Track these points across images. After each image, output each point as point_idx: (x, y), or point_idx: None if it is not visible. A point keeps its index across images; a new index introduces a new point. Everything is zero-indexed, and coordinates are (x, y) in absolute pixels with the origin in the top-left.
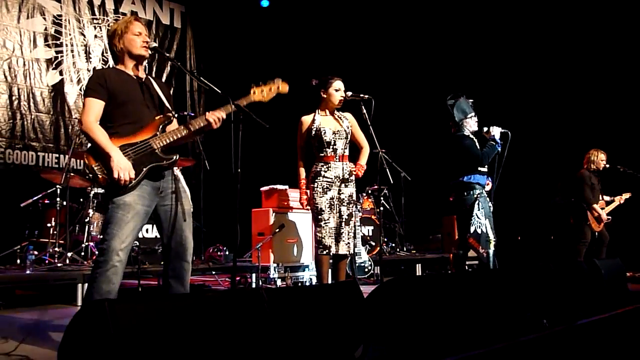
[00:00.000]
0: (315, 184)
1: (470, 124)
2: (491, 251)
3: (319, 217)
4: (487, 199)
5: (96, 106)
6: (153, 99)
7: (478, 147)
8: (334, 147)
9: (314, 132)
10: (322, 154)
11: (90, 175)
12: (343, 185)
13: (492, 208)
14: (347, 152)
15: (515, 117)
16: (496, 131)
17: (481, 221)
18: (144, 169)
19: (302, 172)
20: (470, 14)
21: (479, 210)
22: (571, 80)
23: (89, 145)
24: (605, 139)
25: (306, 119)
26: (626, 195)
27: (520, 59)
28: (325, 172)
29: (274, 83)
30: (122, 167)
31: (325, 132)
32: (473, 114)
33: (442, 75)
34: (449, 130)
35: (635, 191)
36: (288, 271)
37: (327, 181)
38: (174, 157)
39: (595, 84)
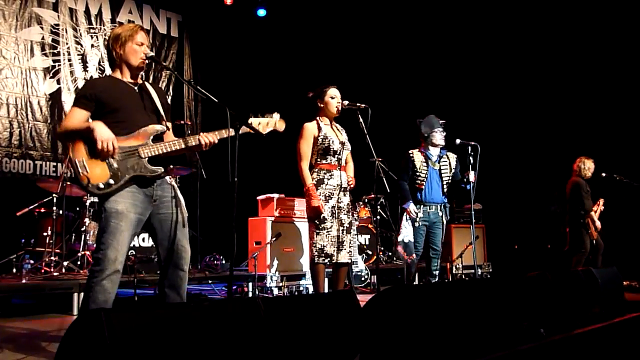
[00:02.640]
0: (318, 191)
1: (437, 138)
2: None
3: (321, 225)
4: (428, 210)
5: (78, 115)
6: (149, 106)
7: (409, 166)
8: (339, 157)
9: (321, 140)
10: (326, 162)
11: (72, 170)
12: (342, 194)
13: (442, 218)
14: (344, 164)
15: (512, 126)
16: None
17: (407, 231)
18: (127, 176)
19: (310, 177)
20: (467, 19)
21: (406, 220)
22: (567, 89)
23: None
24: (600, 147)
25: (311, 126)
26: (602, 201)
27: (518, 68)
28: (328, 179)
29: (272, 118)
30: (105, 137)
31: (333, 142)
32: (441, 129)
33: (439, 83)
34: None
35: (631, 199)
36: (285, 280)
37: (329, 189)
38: (159, 171)
39: (591, 92)
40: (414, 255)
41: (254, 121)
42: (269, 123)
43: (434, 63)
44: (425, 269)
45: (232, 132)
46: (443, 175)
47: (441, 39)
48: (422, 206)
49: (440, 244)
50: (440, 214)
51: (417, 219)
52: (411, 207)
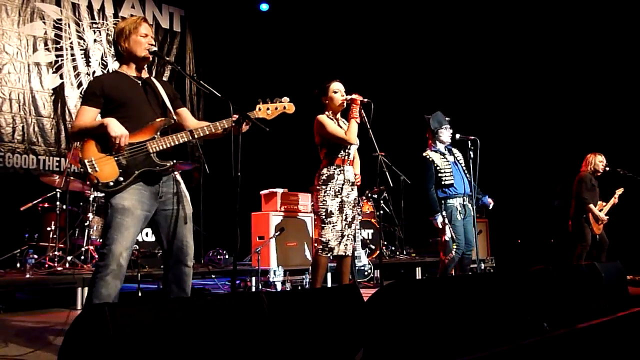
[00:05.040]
0: (328, 186)
1: (445, 135)
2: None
3: (328, 219)
4: (458, 206)
5: (88, 113)
6: (155, 100)
7: (433, 170)
8: (348, 151)
9: None
10: (336, 157)
11: (82, 170)
12: (350, 188)
13: (463, 214)
14: (352, 159)
15: (515, 120)
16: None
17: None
18: (136, 172)
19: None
20: (472, 15)
21: (446, 222)
22: (571, 83)
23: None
24: (604, 142)
25: (325, 118)
26: (619, 191)
27: (521, 62)
28: (338, 174)
29: (280, 102)
30: (119, 132)
31: None
32: (448, 126)
33: (441, 77)
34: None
35: (634, 193)
36: (288, 274)
37: (339, 184)
38: (168, 164)
39: (595, 86)
40: (453, 253)
41: (262, 107)
42: (277, 107)
43: (436, 57)
44: (458, 265)
45: (235, 117)
46: (461, 165)
47: (443, 33)
48: (457, 199)
49: (474, 238)
50: (470, 205)
51: (460, 217)
52: (439, 219)
